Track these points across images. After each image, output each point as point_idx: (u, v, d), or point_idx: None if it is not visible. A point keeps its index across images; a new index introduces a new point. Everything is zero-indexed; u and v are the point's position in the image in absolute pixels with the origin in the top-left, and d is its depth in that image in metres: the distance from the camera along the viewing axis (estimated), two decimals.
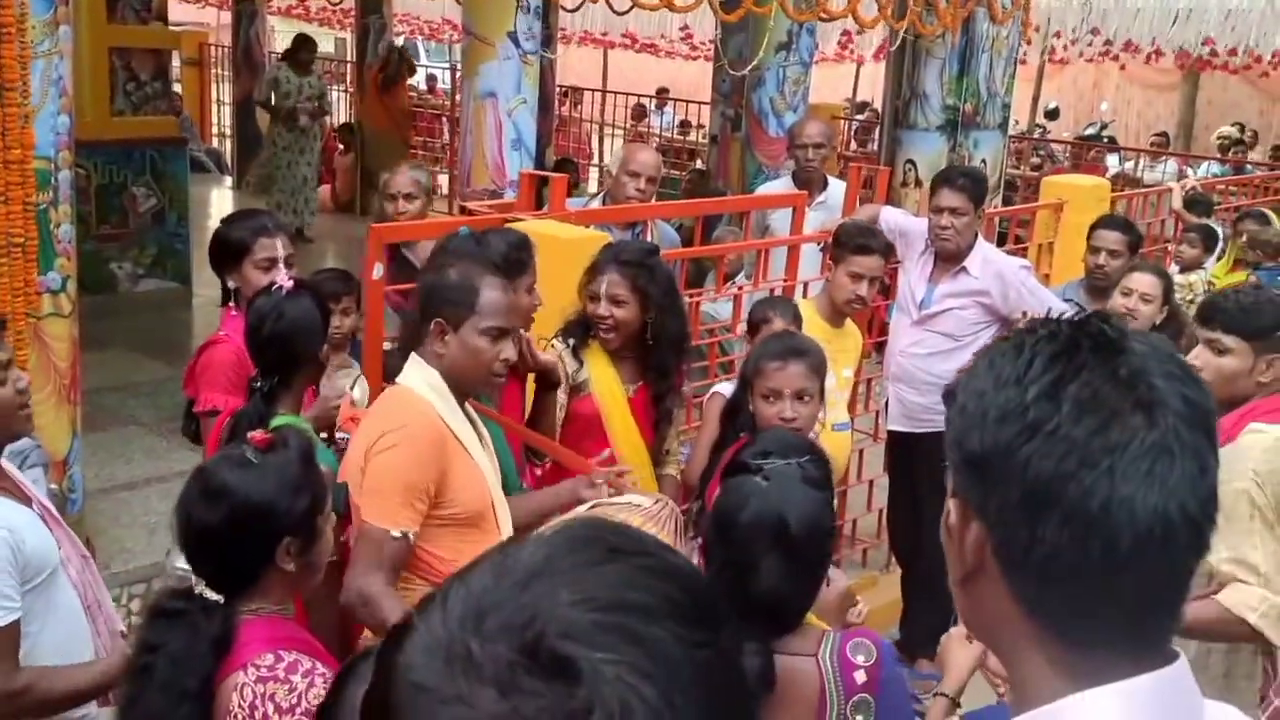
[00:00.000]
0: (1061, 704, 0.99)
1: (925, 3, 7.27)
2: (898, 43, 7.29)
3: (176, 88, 12.55)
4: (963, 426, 1.03)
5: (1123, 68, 17.33)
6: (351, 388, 3.56)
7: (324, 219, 11.89)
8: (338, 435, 3.22)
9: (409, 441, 2.63)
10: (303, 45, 11.04)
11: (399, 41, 14.50)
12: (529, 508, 3.03)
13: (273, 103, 10.57)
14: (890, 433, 5.01)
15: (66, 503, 4.47)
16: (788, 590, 2.08)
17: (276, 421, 2.89)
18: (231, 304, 3.56)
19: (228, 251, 3.56)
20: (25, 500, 2.47)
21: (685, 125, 16.25)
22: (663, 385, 3.61)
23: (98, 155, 7.53)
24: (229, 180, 13.47)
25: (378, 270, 3.78)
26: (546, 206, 4.33)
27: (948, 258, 4.73)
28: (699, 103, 15.74)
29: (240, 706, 1.93)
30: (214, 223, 11.83)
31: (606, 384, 3.52)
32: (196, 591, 2.07)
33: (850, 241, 4.26)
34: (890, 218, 5.09)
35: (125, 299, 7.87)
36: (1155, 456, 0.95)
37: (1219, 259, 6.88)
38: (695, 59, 17.05)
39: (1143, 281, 4.31)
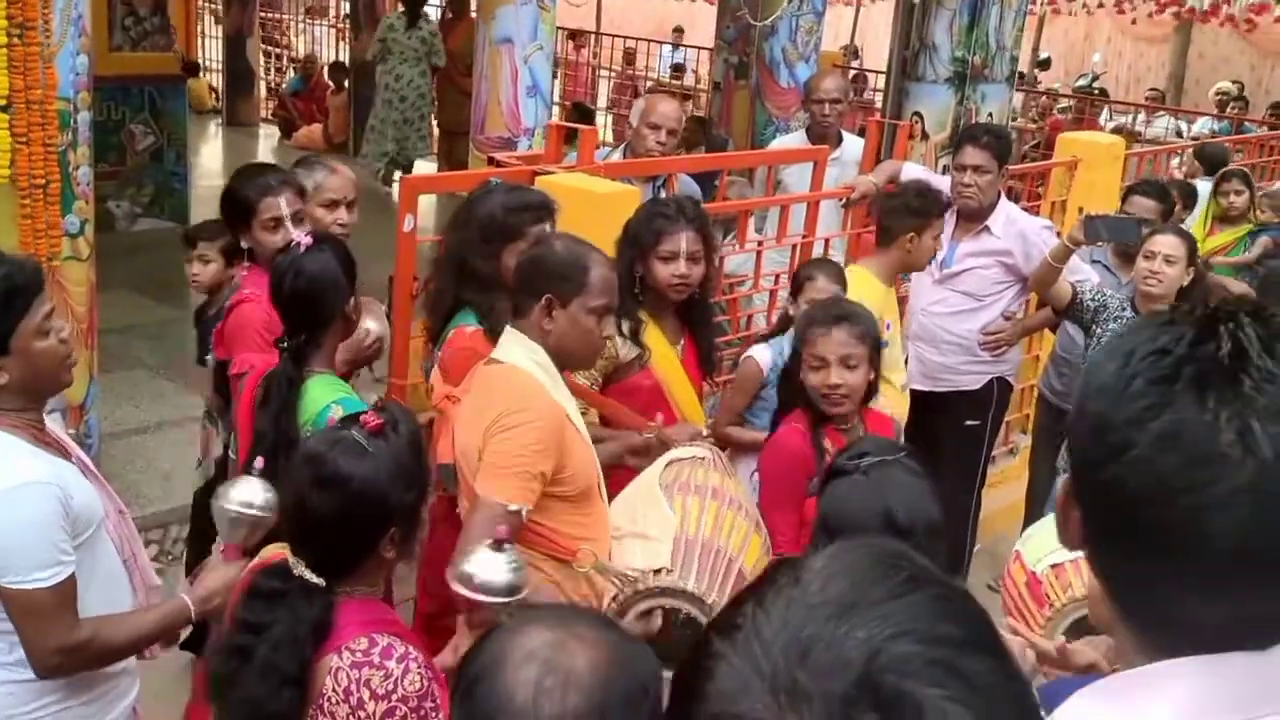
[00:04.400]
0: (1145, 669, 1.01)
1: None
2: None
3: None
4: (1072, 420, 1.04)
5: (1133, 22, 17.15)
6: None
7: None
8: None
9: (531, 421, 2.57)
10: None
11: None
12: None
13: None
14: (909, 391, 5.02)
15: (83, 448, 4.43)
16: None
17: (313, 383, 2.87)
18: (247, 262, 3.46)
19: (236, 210, 3.45)
20: (65, 455, 2.43)
21: (680, 69, 16.10)
22: (711, 336, 3.63)
23: (95, 91, 7.39)
24: (218, 118, 13.28)
25: (409, 222, 3.75)
26: (574, 158, 4.28)
27: (970, 216, 4.71)
28: (694, 47, 15.61)
29: (335, 690, 1.92)
30: (208, 161, 11.70)
31: (662, 351, 3.49)
32: (295, 572, 2.04)
33: (935, 206, 4.21)
34: (912, 174, 5.07)
35: (122, 238, 7.77)
36: None
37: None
38: (695, 0, 16.85)
39: (1166, 243, 4.30)
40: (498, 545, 2.17)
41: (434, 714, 1.94)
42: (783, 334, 3.93)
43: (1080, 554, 2.64)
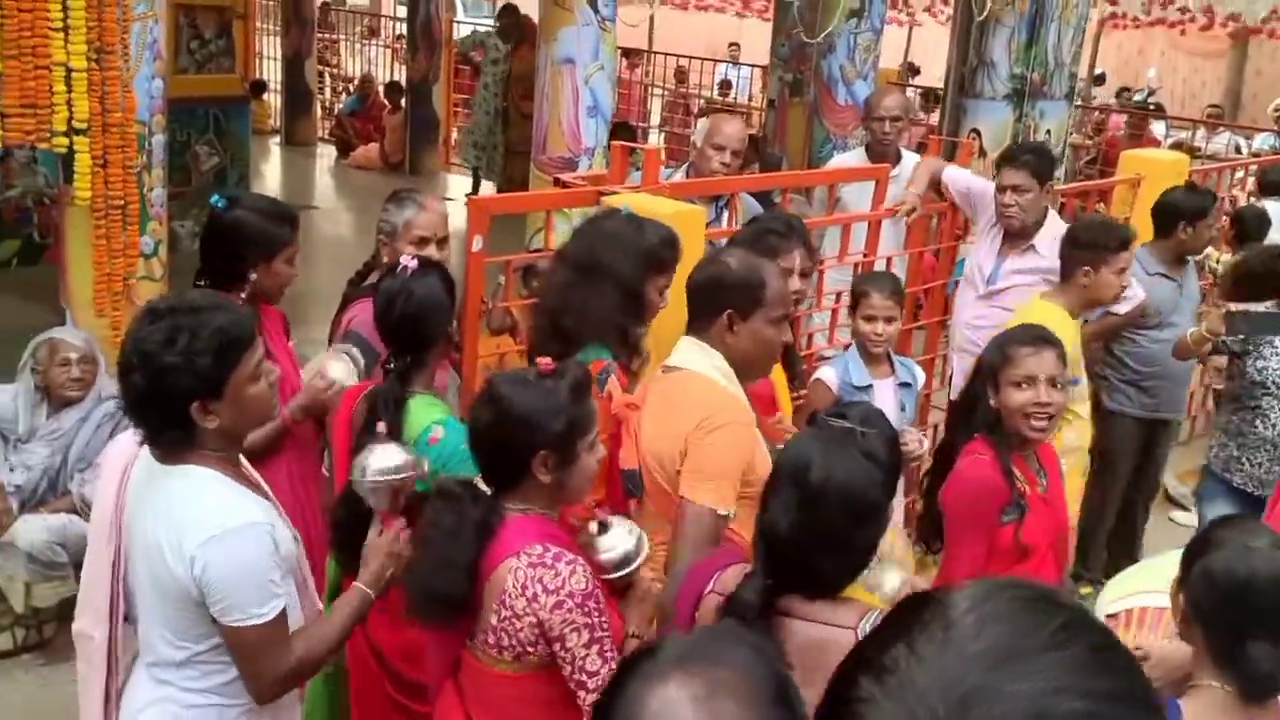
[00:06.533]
0: None
1: None
2: (984, 12, 7.13)
3: None
4: None
5: (1182, 32, 16.95)
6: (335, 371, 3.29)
7: (373, 178, 11.90)
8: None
9: (733, 426, 2.72)
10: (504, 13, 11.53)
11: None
12: None
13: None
14: (951, 402, 4.99)
15: None
16: (804, 541, 2.10)
17: (415, 403, 2.92)
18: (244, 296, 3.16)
19: (264, 242, 3.23)
20: (262, 492, 2.47)
21: (727, 86, 16.15)
22: (794, 347, 3.78)
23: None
24: (278, 138, 13.47)
25: (478, 243, 3.79)
26: (638, 178, 4.31)
27: (1016, 234, 4.70)
28: (747, 64, 15.61)
29: (514, 586, 2.27)
30: (269, 181, 11.81)
31: None
32: (473, 481, 2.40)
33: (1110, 240, 4.16)
34: (955, 177, 5.03)
35: (188, 259, 7.85)
36: None
37: None
38: (746, 18, 16.90)
39: None
40: (602, 528, 2.47)
41: (596, 614, 2.26)
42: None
43: (1137, 603, 2.59)
